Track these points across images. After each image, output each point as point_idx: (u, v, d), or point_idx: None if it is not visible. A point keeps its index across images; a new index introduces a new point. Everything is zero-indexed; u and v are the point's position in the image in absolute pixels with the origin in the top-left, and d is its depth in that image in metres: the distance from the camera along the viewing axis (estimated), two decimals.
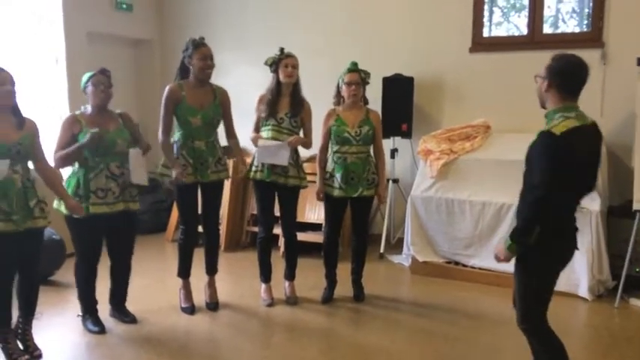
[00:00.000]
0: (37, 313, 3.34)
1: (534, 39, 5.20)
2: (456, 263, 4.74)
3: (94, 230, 3.46)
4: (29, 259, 3.16)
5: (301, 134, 4.00)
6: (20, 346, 3.21)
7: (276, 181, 3.88)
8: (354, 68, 3.92)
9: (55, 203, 3.39)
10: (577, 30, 5.44)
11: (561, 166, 2.29)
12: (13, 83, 2.99)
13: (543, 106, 2.50)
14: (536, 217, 2.36)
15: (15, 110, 3.04)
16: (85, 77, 3.45)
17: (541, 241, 2.37)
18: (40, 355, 3.23)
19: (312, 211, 5.28)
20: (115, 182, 3.44)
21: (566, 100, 2.42)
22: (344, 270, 4.28)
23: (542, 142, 2.35)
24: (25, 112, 3.14)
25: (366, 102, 4.06)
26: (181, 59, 3.75)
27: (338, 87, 3.99)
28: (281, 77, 3.85)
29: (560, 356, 2.47)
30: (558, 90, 2.41)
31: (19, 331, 3.24)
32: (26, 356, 3.17)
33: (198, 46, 3.65)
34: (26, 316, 3.25)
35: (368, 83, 4.01)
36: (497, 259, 2.51)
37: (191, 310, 3.92)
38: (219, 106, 3.80)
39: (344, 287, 4.24)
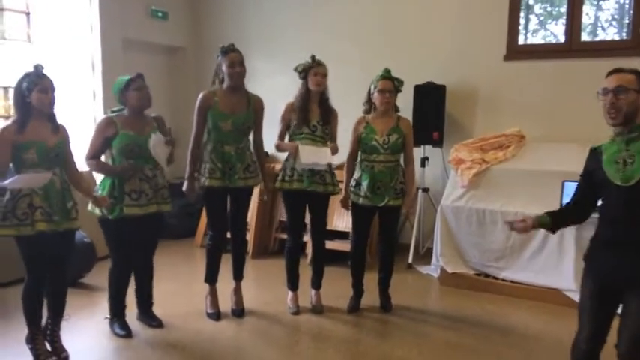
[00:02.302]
0: (66, 314, 3.37)
1: (572, 47, 5.07)
2: (487, 275, 4.63)
3: (130, 233, 3.50)
4: (62, 259, 3.22)
5: None
6: (48, 347, 3.26)
7: (316, 190, 3.86)
8: (387, 75, 3.87)
9: (90, 207, 3.45)
10: (616, 38, 5.28)
11: None
12: (54, 90, 3.06)
13: (626, 122, 2.28)
14: None
15: (51, 116, 3.11)
16: (119, 82, 3.47)
17: None
18: (67, 357, 3.26)
19: (341, 219, 5.25)
20: (148, 184, 3.48)
21: None
22: (371, 279, 4.22)
23: None
24: (61, 117, 3.21)
25: (397, 110, 4.01)
26: (215, 68, 3.78)
27: (369, 94, 3.94)
28: (310, 85, 3.84)
29: None
30: None
31: (48, 332, 3.28)
32: (54, 358, 3.22)
33: (227, 52, 3.67)
34: (55, 318, 3.29)
35: (400, 91, 3.95)
36: None
37: (217, 315, 3.92)
38: (252, 112, 3.81)
39: (371, 297, 4.19)
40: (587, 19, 5.24)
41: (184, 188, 3.78)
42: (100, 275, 4.55)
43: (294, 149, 3.80)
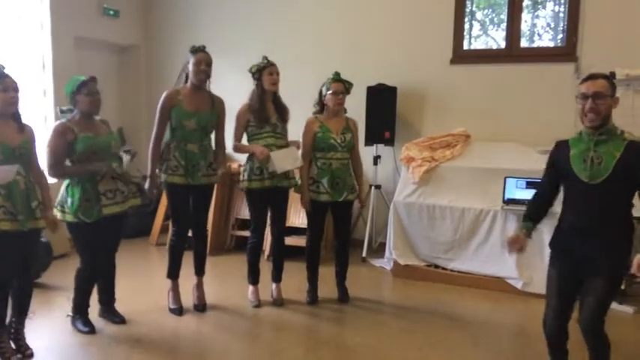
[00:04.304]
0: (30, 312, 3.38)
1: (512, 52, 5.41)
2: (436, 267, 4.89)
3: (97, 234, 3.50)
4: (28, 259, 3.22)
5: None
6: (12, 345, 3.26)
7: (283, 184, 3.99)
8: (338, 78, 4.07)
9: (59, 214, 3.42)
10: (552, 44, 5.67)
11: None
12: (16, 90, 3.06)
13: (600, 125, 2.53)
14: None
15: (16, 115, 3.11)
16: (72, 83, 3.42)
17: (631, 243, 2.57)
18: (32, 355, 3.27)
19: (296, 216, 5.39)
20: (120, 181, 3.52)
21: None
22: (329, 273, 4.40)
23: None
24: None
25: (344, 110, 4.20)
26: (184, 65, 3.87)
27: (321, 95, 4.12)
28: (265, 85, 3.96)
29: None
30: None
31: (12, 330, 3.28)
32: (18, 355, 3.23)
33: (196, 52, 3.78)
34: (19, 317, 3.30)
35: (349, 93, 4.15)
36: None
37: (180, 311, 3.99)
38: (215, 113, 3.90)
39: (329, 289, 4.36)
40: (525, 25, 5.60)
41: (146, 186, 3.81)
42: (56, 274, 4.56)
43: (263, 156, 3.87)
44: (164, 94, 3.80)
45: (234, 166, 5.56)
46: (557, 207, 2.79)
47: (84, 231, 3.46)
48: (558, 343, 2.77)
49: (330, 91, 4.03)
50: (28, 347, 3.29)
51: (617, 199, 2.54)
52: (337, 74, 4.09)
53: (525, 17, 5.57)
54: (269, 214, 4.16)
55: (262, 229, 4.15)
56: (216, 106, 3.92)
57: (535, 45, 5.66)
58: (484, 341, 3.66)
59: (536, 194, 2.87)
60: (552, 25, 5.77)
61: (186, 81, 3.86)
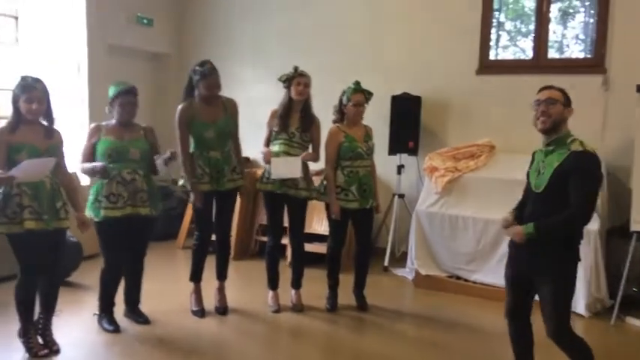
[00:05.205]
0: (57, 310, 3.51)
1: (539, 63, 5.38)
2: (458, 278, 4.88)
3: (120, 235, 3.64)
4: (53, 258, 3.35)
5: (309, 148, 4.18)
6: (40, 341, 3.39)
7: (287, 192, 4.05)
8: (359, 88, 4.13)
9: (87, 212, 3.59)
10: (581, 56, 5.61)
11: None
12: (42, 101, 3.20)
13: (552, 131, 2.70)
14: (573, 230, 2.68)
15: (48, 120, 3.28)
16: (113, 88, 3.62)
17: (576, 252, 2.71)
18: (59, 350, 3.40)
19: (319, 223, 5.45)
20: (124, 187, 3.60)
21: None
22: (349, 281, 4.44)
23: (590, 161, 2.61)
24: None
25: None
26: (189, 79, 3.92)
27: (341, 104, 4.17)
28: (293, 94, 4.05)
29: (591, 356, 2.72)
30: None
31: (40, 326, 3.41)
32: (45, 350, 3.36)
33: (205, 76, 3.80)
34: (47, 313, 3.43)
35: (369, 102, 4.20)
36: (514, 237, 2.74)
37: (201, 313, 4.08)
38: (230, 117, 4.01)
39: (349, 297, 4.39)
40: (554, 36, 5.56)
41: (191, 199, 3.97)
42: (86, 273, 4.69)
43: (265, 159, 4.01)
44: (179, 109, 3.90)
45: (260, 172, 5.64)
46: None
47: (106, 230, 3.61)
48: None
49: (351, 103, 4.09)
50: (55, 343, 3.42)
51: (556, 208, 2.61)
52: (357, 84, 4.14)
53: (555, 28, 5.53)
54: (288, 223, 4.22)
55: (277, 232, 4.21)
56: (230, 111, 4.01)
57: (564, 56, 5.61)
58: (503, 355, 3.61)
59: (519, 201, 2.97)
60: (582, 37, 5.72)
61: (192, 92, 3.91)
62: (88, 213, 3.59)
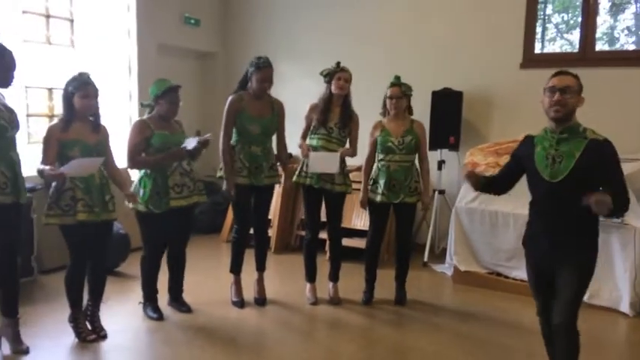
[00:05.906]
0: (105, 298, 3.71)
1: (586, 56, 5.24)
2: (498, 274, 4.83)
3: (164, 226, 3.80)
4: (101, 248, 3.55)
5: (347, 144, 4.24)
6: (88, 326, 3.59)
7: (324, 187, 4.13)
8: (396, 82, 4.15)
9: (131, 204, 3.75)
10: (632, 48, 5.42)
11: None
12: (96, 97, 3.40)
13: (564, 120, 2.60)
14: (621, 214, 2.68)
15: (95, 117, 3.45)
16: (158, 86, 3.76)
17: (597, 241, 2.64)
18: (106, 336, 3.60)
19: (359, 218, 5.50)
20: (188, 177, 3.82)
21: None
22: (388, 275, 4.47)
23: (614, 150, 2.55)
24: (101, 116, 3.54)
25: (410, 112, 4.26)
26: (245, 72, 4.06)
27: (384, 99, 4.21)
28: (333, 89, 4.12)
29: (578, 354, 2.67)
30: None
31: (88, 313, 3.62)
32: (93, 335, 3.56)
33: (260, 68, 3.94)
34: (95, 300, 3.63)
35: (410, 95, 4.20)
36: (604, 205, 2.37)
37: (241, 304, 4.21)
38: (277, 117, 4.11)
39: (386, 291, 4.43)
40: (604, 28, 5.39)
41: (224, 187, 4.07)
42: (134, 264, 4.86)
43: (305, 153, 4.09)
44: (229, 100, 4.03)
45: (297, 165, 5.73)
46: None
47: (151, 221, 3.77)
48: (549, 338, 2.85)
49: (388, 95, 4.12)
50: (102, 329, 3.62)
51: (575, 197, 2.48)
52: (397, 78, 4.17)
53: (604, 19, 5.36)
54: (325, 215, 4.29)
55: (314, 225, 4.28)
56: (277, 111, 4.11)
57: (614, 48, 5.44)
58: (540, 352, 3.57)
59: (493, 177, 3.01)
60: (633, 29, 5.53)
61: (245, 86, 4.05)
62: (139, 205, 3.71)
